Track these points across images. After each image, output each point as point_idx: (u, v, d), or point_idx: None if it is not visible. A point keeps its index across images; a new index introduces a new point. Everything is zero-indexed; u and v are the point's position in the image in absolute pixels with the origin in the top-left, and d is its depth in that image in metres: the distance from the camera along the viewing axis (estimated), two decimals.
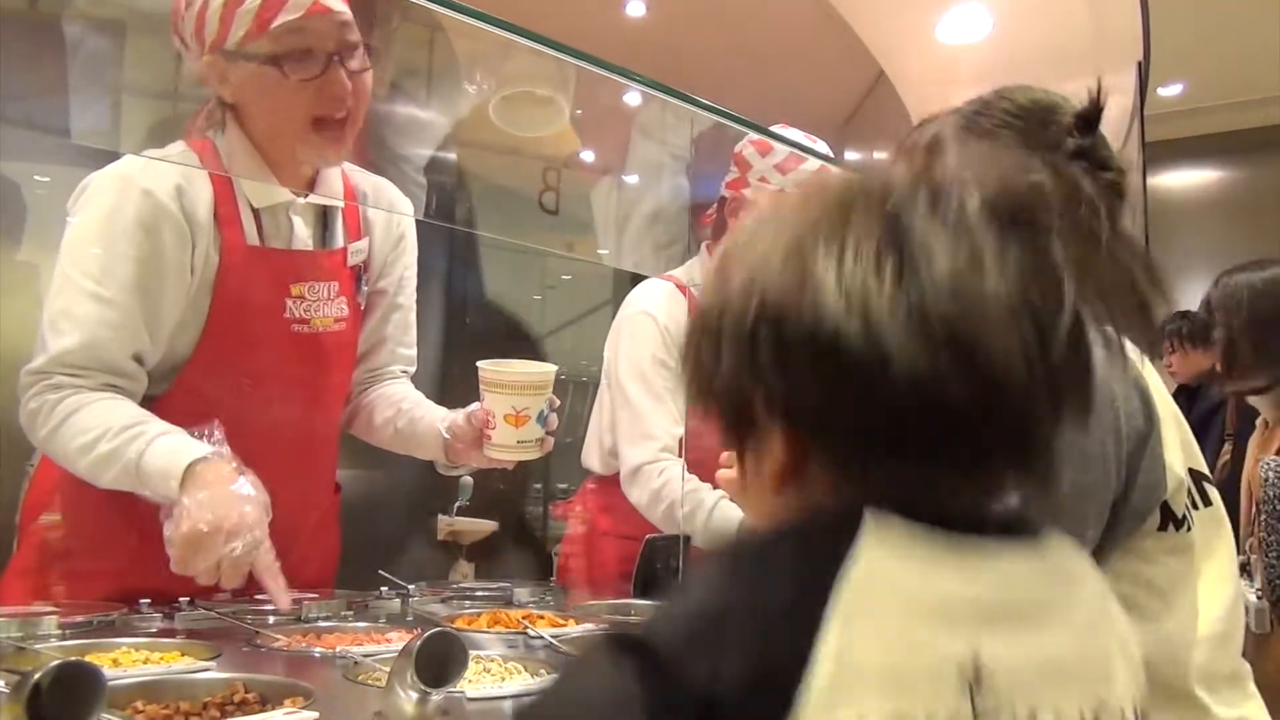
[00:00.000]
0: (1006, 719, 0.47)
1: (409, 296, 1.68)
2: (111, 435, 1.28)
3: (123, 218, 1.34)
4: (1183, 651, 0.86)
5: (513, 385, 1.43)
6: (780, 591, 0.48)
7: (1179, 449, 0.92)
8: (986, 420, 0.50)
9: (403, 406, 1.62)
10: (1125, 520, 0.87)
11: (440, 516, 2.05)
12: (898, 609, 0.47)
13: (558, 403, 1.48)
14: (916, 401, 0.49)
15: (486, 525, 2.20)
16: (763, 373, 0.52)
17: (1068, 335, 0.50)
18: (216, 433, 1.31)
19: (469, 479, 1.99)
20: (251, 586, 1.51)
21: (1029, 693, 0.48)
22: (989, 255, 0.50)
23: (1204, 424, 3.01)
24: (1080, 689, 0.50)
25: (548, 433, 1.47)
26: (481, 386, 1.46)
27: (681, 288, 1.98)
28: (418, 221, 1.72)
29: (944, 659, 0.47)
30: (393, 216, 1.63)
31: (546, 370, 1.46)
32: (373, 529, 2.01)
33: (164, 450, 1.26)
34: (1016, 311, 0.49)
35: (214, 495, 1.21)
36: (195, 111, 1.50)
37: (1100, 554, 0.86)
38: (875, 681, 0.46)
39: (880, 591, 0.47)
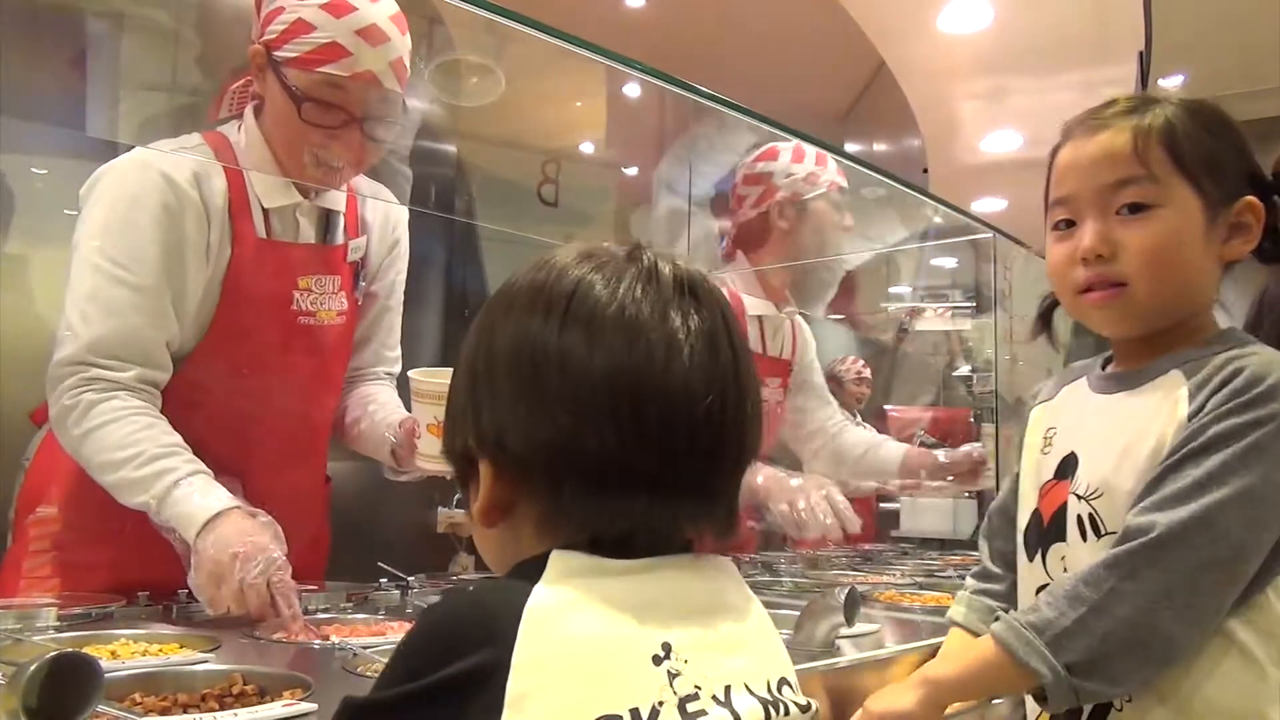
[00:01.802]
0: (707, 697, 0.54)
1: (398, 301, 1.70)
2: (141, 463, 1.26)
3: (147, 202, 1.34)
4: None
5: (431, 395, 1.37)
6: (482, 613, 0.53)
7: None
8: (671, 478, 0.57)
9: (369, 408, 1.62)
10: None
11: (440, 509, 2.04)
12: (580, 620, 0.53)
13: None
14: (605, 432, 0.55)
15: None
16: (480, 413, 0.58)
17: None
18: (238, 492, 1.31)
19: None
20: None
21: (722, 674, 0.56)
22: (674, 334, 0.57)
23: None
24: (761, 666, 0.59)
25: None
26: (411, 395, 1.42)
27: (734, 294, 1.98)
28: (416, 214, 1.73)
29: (638, 651, 0.53)
30: (389, 221, 1.65)
31: None
32: (373, 521, 2.00)
33: (189, 495, 1.25)
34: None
35: (226, 532, 1.21)
36: (222, 89, 1.51)
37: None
38: (569, 680, 0.51)
39: (561, 607, 0.53)
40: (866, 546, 2.61)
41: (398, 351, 1.72)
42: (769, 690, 0.58)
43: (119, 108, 1.46)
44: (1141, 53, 3.25)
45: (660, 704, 0.52)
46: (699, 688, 0.54)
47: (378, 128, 1.41)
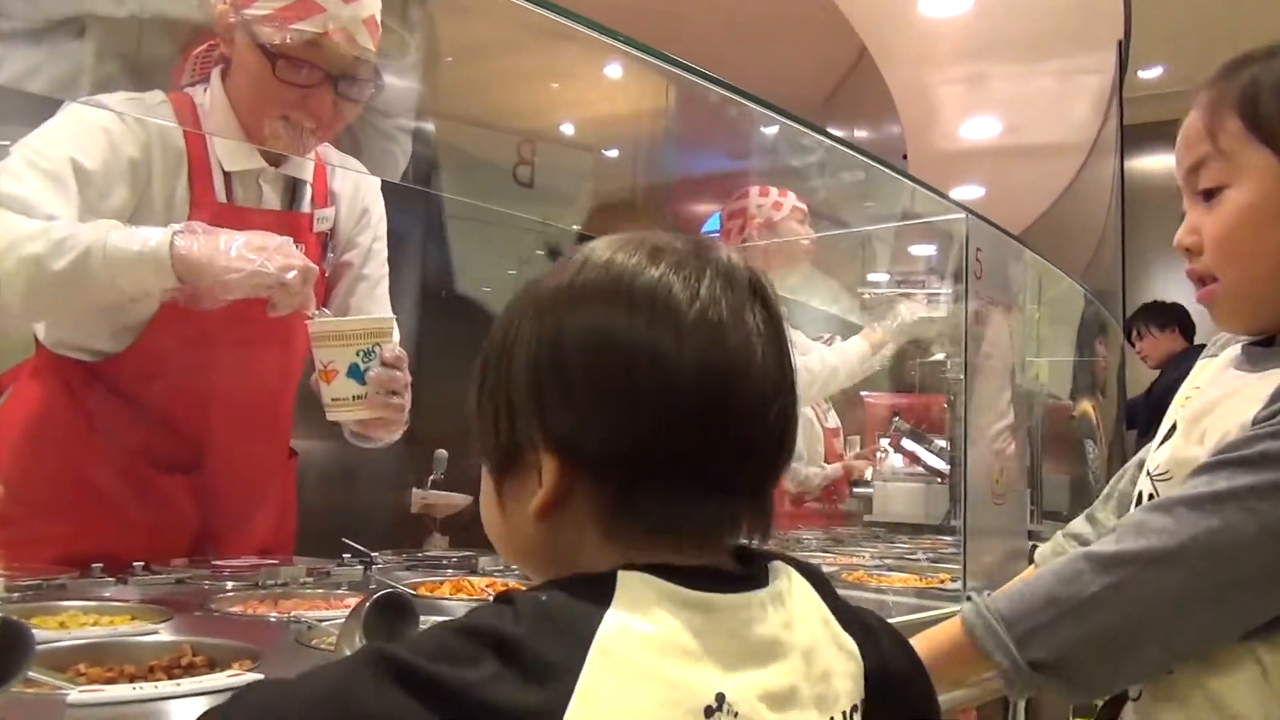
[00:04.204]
0: None
1: (376, 269, 1.66)
2: (66, 222, 1.24)
3: (86, 119, 1.34)
4: None
5: (318, 336, 1.31)
6: (545, 637, 0.50)
7: None
8: (739, 479, 0.57)
9: None
10: None
11: (414, 490, 2.02)
12: (643, 659, 0.51)
13: (391, 355, 1.31)
14: (690, 433, 0.54)
15: (460, 499, 2.18)
16: (547, 409, 0.56)
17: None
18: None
19: (443, 452, 1.96)
20: (211, 551, 1.50)
21: (766, 717, 0.53)
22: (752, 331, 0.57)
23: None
24: (808, 708, 0.56)
25: (392, 393, 1.31)
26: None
27: None
28: (394, 192, 1.70)
29: (688, 701, 0.51)
30: (358, 192, 1.62)
31: (352, 321, 1.33)
32: (346, 501, 1.99)
33: (126, 236, 1.23)
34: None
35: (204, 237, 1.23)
36: (184, 56, 1.48)
37: None
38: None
39: (629, 643, 0.51)
40: (838, 529, 2.61)
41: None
42: None
43: (78, 67, 1.43)
44: (1121, 42, 3.25)
45: None
46: None
47: (350, 87, 1.39)
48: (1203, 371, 0.94)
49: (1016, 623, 0.83)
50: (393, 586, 0.86)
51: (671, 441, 0.54)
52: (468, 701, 0.47)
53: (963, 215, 1.52)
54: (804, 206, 2.47)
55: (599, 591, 0.53)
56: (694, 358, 0.55)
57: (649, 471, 0.55)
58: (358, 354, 1.29)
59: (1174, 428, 0.89)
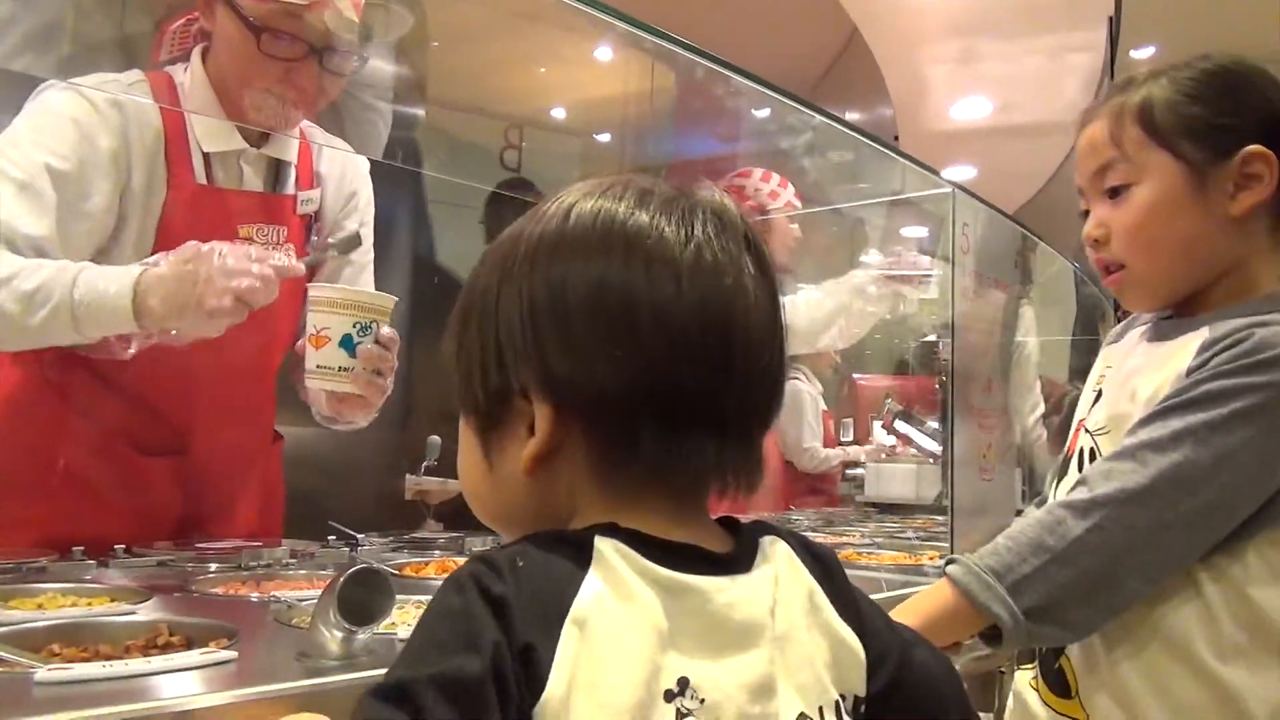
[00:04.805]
0: None
1: (362, 253, 1.63)
2: (35, 267, 1.21)
3: (58, 115, 1.30)
4: None
5: (318, 301, 1.27)
6: (534, 585, 0.50)
7: None
8: (738, 421, 0.56)
9: None
10: None
11: (408, 476, 2.01)
12: (616, 637, 0.50)
13: (385, 335, 1.28)
14: (690, 370, 0.54)
15: (454, 485, 2.17)
16: (547, 356, 0.55)
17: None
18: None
19: (436, 438, 1.95)
20: (196, 535, 1.48)
21: (740, 708, 0.52)
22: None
23: None
24: (789, 696, 0.54)
25: (376, 372, 1.28)
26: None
27: None
28: (383, 178, 1.68)
29: (654, 682, 0.50)
30: (346, 174, 1.59)
31: (359, 292, 1.29)
32: (340, 488, 1.98)
33: (100, 271, 1.20)
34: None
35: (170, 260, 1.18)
36: (160, 31, 1.46)
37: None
38: (593, 701, 0.49)
39: (602, 620, 0.50)
40: (830, 510, 2.61)
41: None
42: None
43: (51, 43, 1.41)
44: (1111, 18, 3.23)
45: None
46: None
47: (335, 59, 1.37)
48: (1111, 354, 1.06)
49: (1006, 574, 0.88)
50: (367, 563, 0.85)
51: (673, 379, 0.54)
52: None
53: (949, 190, 1.51)
54: (798, 204, 2.47)
55: (571, 549, 0.52)
56: (693, 296, 0.54)
57: (651, 410, 0.54)
58: (354, 326, 1.25)
59: (1099, 394, 1.01)
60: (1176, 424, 0.86)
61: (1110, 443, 0.94)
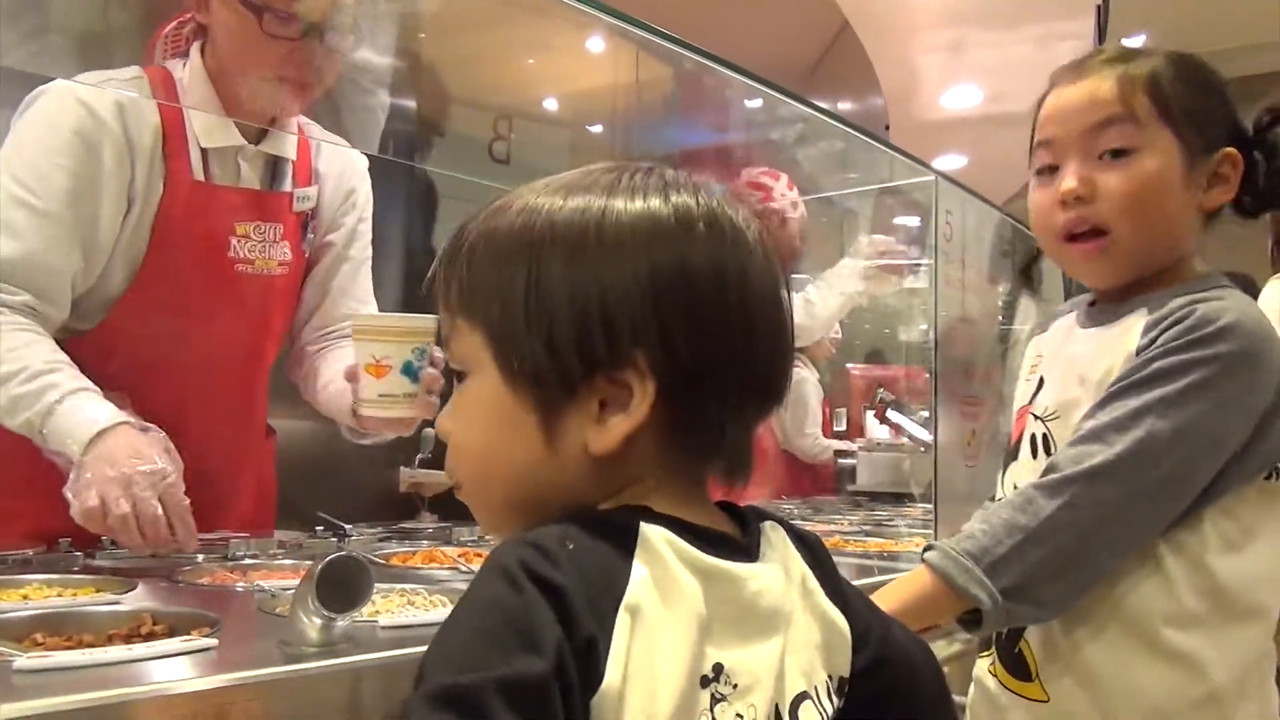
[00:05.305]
0: (754, 712, 0.52)
1: (360, 251, 1.63)
2: (24, 379, 1.22)
3: (61, 128, 1.30)
4: (1261, 582, 0.92)
5: (372, 330, 1.27)
6: (587, 571, 0.50)
7: None
8: (770, 358, 0.58)
9: (339, 368, 1.57)
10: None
11: (402, 469, 2.02)
12: (666, 625, 0.50)
13: (438, 355, 1.27)
14: (744, 378, 0.56)
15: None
16: (665, 325, 0.54)
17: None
18: (127, 406, 1.26)
19: (431, 431, 1.96)
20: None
21: (766, 689, 0.53)
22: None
23: None
24: (797, 678, 0.56)
25: (429, 392, 1.27)
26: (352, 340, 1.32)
27: None
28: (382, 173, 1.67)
29: (694, 670, 0.51)
30: (345, 172, 1.59)
31: (412, 318, 1.27)
32: (333, 481, 1.98)
33: (73, 410, 1.21)
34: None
35: (113, 447, 1.17)
36: (154, 34, 1.46)
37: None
38: (645, 690, 0.48)
39: (654, 606, 0.50)
40: (819, 498, 2.62)
41: (371, 306, 1.64)
42: (818, 700, 0.56)
43: (47, 38, 1.41)
44: (1099, 7, 3.23)
45: None
46: (740, 716, 0.52)
47: (335, 36, 1.37)
48: (1042, 343, 1.09)
49: (983, 556, 0.90)
50: (346, 550, 0.86)
51: (736, 356, 0.55)
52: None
53: (932, 178, 1.51)
54: (805, 213, 2.57)
55: (616, 533, 0.52)
56: (736, 276, 0.56)
57: (723, 387, 0.55)
58: (414, 351, 1.25)
59: (1041, 381, 1.03)
60: (1134, 402, 0.89)
61: (1062, 426, 0.97)
